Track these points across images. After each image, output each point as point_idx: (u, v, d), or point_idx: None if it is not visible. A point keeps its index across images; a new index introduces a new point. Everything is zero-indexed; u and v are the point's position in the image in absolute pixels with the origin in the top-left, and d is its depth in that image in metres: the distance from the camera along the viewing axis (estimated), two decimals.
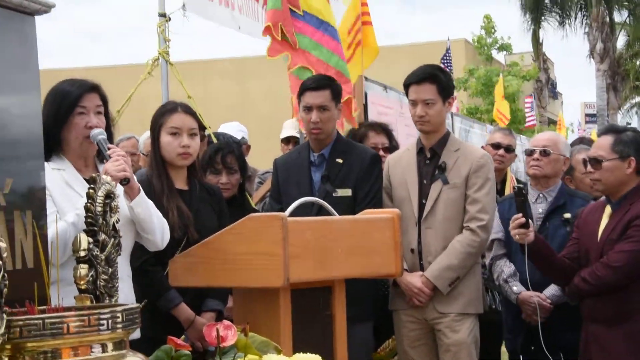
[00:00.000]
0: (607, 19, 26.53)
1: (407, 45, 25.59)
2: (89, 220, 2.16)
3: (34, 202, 2.24)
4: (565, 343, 4.03)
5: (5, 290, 1.74)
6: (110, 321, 1.81)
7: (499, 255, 4.34)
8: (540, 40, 28.23)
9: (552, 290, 4.15)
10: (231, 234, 2.97)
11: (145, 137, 5.25)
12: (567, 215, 4.20)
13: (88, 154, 3.08)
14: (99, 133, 3.00)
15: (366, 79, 6.08)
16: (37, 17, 2.28)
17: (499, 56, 27.15)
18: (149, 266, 3.36)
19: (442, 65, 10.57)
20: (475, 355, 4.00)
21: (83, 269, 2.11)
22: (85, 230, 2.16)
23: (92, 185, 2.18)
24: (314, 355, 2.49)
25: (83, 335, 1.78)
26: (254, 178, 5.74)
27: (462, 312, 3.98)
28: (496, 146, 5.37)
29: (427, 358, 4.05)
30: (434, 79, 4.05)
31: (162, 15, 5.43)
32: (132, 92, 5.63)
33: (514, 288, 4.21)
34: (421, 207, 4.03)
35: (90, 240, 2.14)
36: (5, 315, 1.74)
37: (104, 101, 3.11)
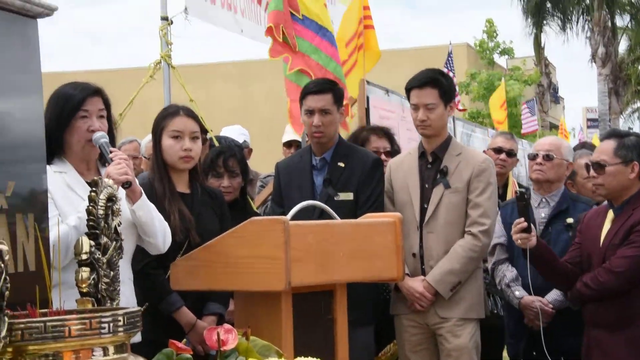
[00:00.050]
0: (609, 24, 26.52)
1: (409, 49, 25.61)
2: (90, 223, 2.16)
3: (35, 205, 2.24)
4: (568, 348, 4.03)
5: (6, 293, 1.74)
6: (111, 324, 1.82)
7: (501, 260, 4.34)
8: (542, 45, 28.24)
9: (554, 295, 4.14)
10: (233, 237, 2.97)
11: (147, 140, 5.25)
12: (570, 220, 4.20)
13: (90, 157, 3.08)
14: (101, 136, 3.00)
15: (368, 82, 6.08)
16: (39, 20, 2.29)
17: (501, 60, 27.16)
18: (151, 269, 3.36)
19: (445, 70, 10.60)
20: None
21: (85, 272, 2.11)
22: (87, 234, 2.17)
23: (94, 189, 2.19)
24: (315, 359, 2.49)
25: (84, 339, 1.79)
26: (256, 181, 5.74)
27: (464, 317, 3.98)
28: (498, 150, 5.38)
29: None
30: (435, 83, 4.05)
31: (165, 18, 5.44)
32: (135, 96, 5.65)
33: (516, 293, 4.20)
34: (423, 211, 4.03)
35: (92, 243, 2.14)
36: (6, 318, 1.74)
37: (107, 105, 3.11)
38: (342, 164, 4.02)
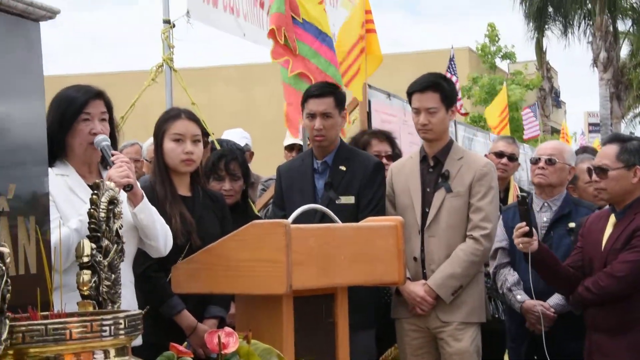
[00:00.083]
0: (611, 28, 26.51)
1: (410, 53, 25.62)
2: (92, 226, 2.16)
3: (37, 207, 2.24)
4: (569, 352, 4.02)
5: (8, 295, 1.74)
6: (112, 327, 1.82)
7: (503, 264, 4.34)
8: (544, 49, 28.24)
9: (556, 299, 4.14)
10: (234, 240, 2.97)
11: (148, 143, 5.25)
12: (572, 225, 4.19)
13: (92, 160, 3.09)
14: (103, 139, 3.00)
15: (370, 86, 6.09)
16: (41, 23, 2.29)
17: (503, 65, 27.18)
18: (152, 272, 3.36)
19: (447, 74, 10.60)
20: None
21: (86, 274, 2.11)
22: (88, 236, 2.17)
23: (95, 191, 2.19)
24: None
25: (85, 341, 1.79)
26: (257, 185, 5.74)
27: (465, 321, 3.98)
28: (499, 154, 5.38)
29: None
30: (437, 87, 4.05)
31: (167, 21, 5.45)
32: (136, 99, 5.65)
33: (518, 297, 4.20)
34: (424, 215, 4.03)
35: (93, 246, 2.14)
36: (8, 321, 1.74)
37: (109, 108, 3.11)
38: (343, 168, 4.02)
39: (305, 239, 2.91)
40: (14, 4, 2.15)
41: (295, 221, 3.01)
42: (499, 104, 12.74)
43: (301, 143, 5.90)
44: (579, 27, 28.13)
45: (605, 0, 25.61)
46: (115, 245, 2.21)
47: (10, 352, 1.76)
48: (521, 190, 5.81)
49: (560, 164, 4.31)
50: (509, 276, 4.28)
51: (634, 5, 28.12)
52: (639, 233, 3.65)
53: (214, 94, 23.45)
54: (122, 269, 2.29)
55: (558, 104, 32.64)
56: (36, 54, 2.28)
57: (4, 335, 1.72)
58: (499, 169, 5.01)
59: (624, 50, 28.80)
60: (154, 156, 3.62)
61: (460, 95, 12.43)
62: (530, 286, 4.00)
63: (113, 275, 2.19)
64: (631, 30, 28.42)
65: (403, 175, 4.14)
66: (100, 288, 2.13)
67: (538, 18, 27.51)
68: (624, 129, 29.46)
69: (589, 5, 27.13)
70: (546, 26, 28.17)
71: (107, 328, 1.80)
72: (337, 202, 3.92)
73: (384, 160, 4.50)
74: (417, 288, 3.97)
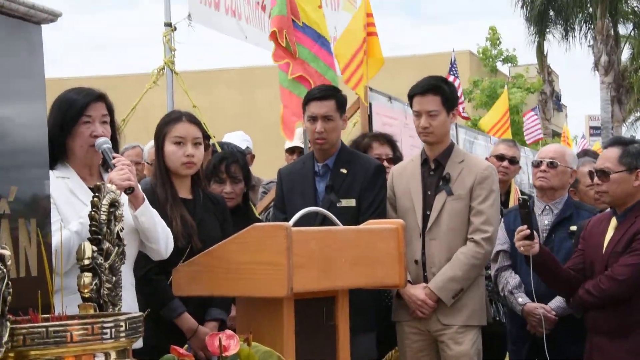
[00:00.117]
0: (612, 32, 26.52)
1: (412, 56, 25.63)
2: (93, 228, 2.17)
3: (38, 210, 2.24)
4: (570, 355, 4.02)
5: (9, 298, 1.74)
6: (113, 330, 1.82)
7: (504, 267, 4.34)
8: (545, 53, 28.25)
9: (557, 302, 4.14)
10: (235, 243, 2.97)
11: (149, 146, 5.25)
12: (573, 228, 4.19)
13: (93, 163, 3.09)
14: (104, 142, 3.00)
15: (371, 89, 6.09)
16: (43, 26, 2.29)
17: (504, 68, 27.19)
18: (153, 275, 3.36)
19: (450, 77, 10.59)
20: None
21: (87, 277, 2.11)
22: (89, 239, 2.17)
23: (96, 194, 2.19)
24: None
25: (86, 344, 1.79)
26: (258, 188, 5.74)
27: (466, 324, 3.97)
28: (500, 158, 5.39)
29: None
30: (437, 90, 4.05)
31: (168, 24, 5.45)
32: (138, 101, 5.65)
33: (519, 299, 4.20)
34: (425, 218, 4.03)
35: (94, 248, 2.14)
36: (9, 323, 1.74)
37: (110, 110, 3.11)
38: (344, 171, 4.02)
39: (306, 242, 2.91)
40: (16, 7, 2.15)
41: (296, 224, 3.01)
42: (500, 108, 12.73)
43: (302, 146, 5.90)
44: (580, 30, 28.14)
45: (607, 4, 25.62)
46: (116, 248, 2.21)
47: (11, 354, 1.76)
48: (522, 193, 5.81)
49: (562, 167, 4.31)
50: (510, 279, 4.27)
51: (635, 9, 28.13)
52: (639, 236, 3.65)
53: (215, 97, 23.46)
54: (123, 272, 2.29)
55: (559, 107, 32.64)
56: (38, 57, 2.28)
57: (5, 338, 1.72)
58: (500, 172, 5.01)
59: (625, 53, 28.80)
60: (155, 159, 3.62)
61: (462, 99, 12.40)
62: (531, 289, 4.00)
63: (114, 278, 2.19)
64: (632, 34, 28.42)
65: (404, 178, 4.14)
66: (101, 291, 2.14)
67: (539, 22, 27.51)
68: (625, 132, 29.46)
69: (590, 9, 27.13)
70: (547, 30, 28.16)
71: (108, 331, 1.81)
72: (338, 205, 3.92)
73: (385, 163, 4.50)
74: (417, 291, 3.97)
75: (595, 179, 3.83)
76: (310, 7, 5.49)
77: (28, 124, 2.25)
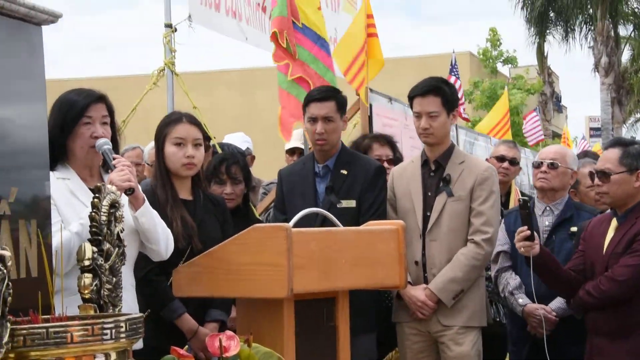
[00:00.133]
0: (612, 33, 26.52)
1: (412, 57, 25.63)
2: (93, 229, 2.17)
3: (38, 211, 2.24)
4: (570, 356, 4.02)
5: (9, 299, 1.74)
6: (113, 331, 1.82)
7: (505, 268, 4.34)
8: (545, 54, 28.26)
9: (557, 303, 4.14)
10: (235, 244, 2.97)
11: (149, 147, 5.25)
12: (574, 229, 4.19)
13: (93, 164, 3.09)
14: (104, 143, 3.01)
15: (371, 90, 6.09)
16: (44, 27, 2.29)
17: (504, 69, 27.19)
18: (153, 276, 3.36)
19: (452, 78, 10.58)
20: None
21: (87, 278, 2.11)
22: (89, 240, 2.17)
23: (96, 195, 2.19)
24: None
25: (86, 345, 1.79)
26: (259, 189, 5.74)
27: (466, 325, 3.98)
28: (500, 159, 5.39)
29: None
30: (438, 91, 4.06)
31: (168, 25, 5.45)
32: (138, 103, 5.65)
33: (520, 300, 4.20)
34: (425, 219, 4.03)
35: (95, 249, 2.14)
36: (9, 324, 1.74)
37: (110, 111, 3.12)
38: (344, 172, 4.02)
39: (306, 243, 2.92)
40: (16, 8, 2.15)
41: (296, 225, 3.01)
42: (500, 109, 12.72)
43: (302, 147, 5.91)
44: (580, 32, 28.14)
45: (607, 6, 25.62)
46: (117, 249, 2.22)
47: (12, 355, 1.76)
48: (522, 194, 5.81)
49: (563, 168, 4.31)
50: (511, 280, 4.28)
51: (636, 10, 28.13)
52: None
53: (215, 98, 23.46)
54: (123, 273, 2.29)
55: (559, 108, 32.63)
56: (38, 58, 2.28)
57: (6, 339, 1.72)
58: (501, 173, 5.02)
59: (625, 55, 28.81)
60: (155, 160, 3.62)
61: (463, 100, 12.40)
62: (531, 290, 4.00)
63: (114, 279, 2.19)
64: (632, 35, 28.42)
65: (404, 179, 4.14)
66: (102, 291, 2.14)
67: (539, 23, 27.51)
68: (625, 133, 29.45)
69: (590, 10, 27.14)
70: (547, 31, 28.16)
71: (108, 331, 1.81)
72: (338, 206, 3.92)
73: (385, 164, 4.50)
74: (417, 292, 3.97)
75: (596, 180, 3.83)
76: (310, 8, 5.50)
77: (28, 125, 2.25)
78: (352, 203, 3.96)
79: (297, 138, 6.03)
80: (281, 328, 2.91)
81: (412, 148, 6.23)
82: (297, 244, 2.84)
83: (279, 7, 5.24)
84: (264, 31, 6.31)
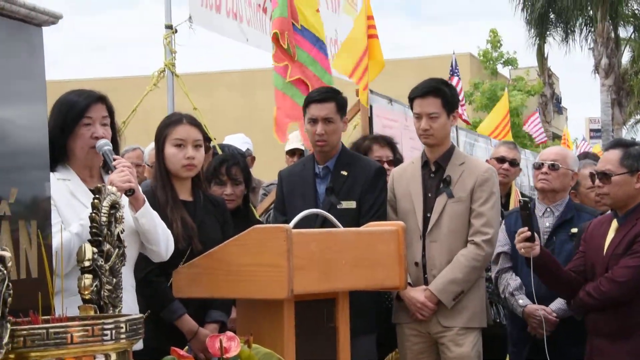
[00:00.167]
0: (613, 35, 26.53)
1: (412, 58, 25.63)
2: (93, 230, 2.16)
3: (38, 212, 2.24)
4: (571, 357, 4.02)
5: (9, 299, 1.74)
6: (113, 331, 1.82)
7: (505, 269, 4.34)
8: (545, 55, 28.26)
9: (558, 304, 4.14)
10: (235, 245, 2.97)
11: (150, 148, 5.25)
12: (574, 230, 4.19)
13: (93, 165, 3.09)
14: (105, 144, 3.01)
15: (371, 91, 6.09)
16: (44, 28, 2.30)
17: (504, 71, 27.19)
18: (153, 277, 3.36)
19: (451, 78, 10.58)
20: None
21: (87, 279, 2.11)
22: (89, 241, 2.17)
23: (97, 196, 2.19)
24: None
25: (86, 346, 1.79)
26: (259, 190, 5.75)
27: (466, 326, 3.98)
28: (501, 160, 5.39)
29: None
30: (438, 92, 4.06)
31: (169, 27, 5.45)
32: (138, 104, 5.66)
33: (520, 301, 4.20)
34: (426, 220, 4.03)
35: (95, 250, 2.14)
36: (9, 325, 1.74)
37: (110, 112, 3.12)
38: (345, 173, 4.02)
39: (306, 244, 2.92)
40: (17, 9, 2.16)
41: (296, 226, 3.01)
42: (501, 110, 12.72)
43: (302, 148, 5.91)
44: (580, 33, 28.15)
45: (607, 7, 25.63)
46: (117, 250, 2.21)
47: (12, 356, 1.76)
48: (522, 195, 5.81)
49: (564, 170, 4.32)
50: (511, 281, 4.28)
51: (636, 12, 28.15)
52: None
53: (216, 99, 23.47)
54: (123, 273, 2.29)
55: (559, 110, 32.64)
56: (38, 59, 2.28)
57: (6, 339, 1.72)
58: (501, 174, 5.02)
59: (626, 56, 28.81)
60: (155, 161, 3.62)
61: (464, 101, 12.40)
62: (532, 291, 4.00)
63: (114, 280, 2.19)
64: (633, 36, 28.43)
65: (404, 180, 4.14)
66: (102, 292, 2.13)
67: (539, 24, 27.52)
68: (625, 135, 29.44)
69: (591, 11, 27.14)
70: (548, 32, 28.18)
71: (108, 332, 1.81)
72: (338, 207, 3.92)
73: (385, 166, 4.50)
74: (417, 294, 3.97)
75: (597, 181, 3.83)
76: (308, 10, 5.50)
77: (29, 126, 2.25)
78: (352, 204, 3.96)
79: (297, 139, 6.04)
80: (281, 329, 2.91)
81: (412, 149, 6.23)
82: (297, 245, 2.85)
83: (279, 8, 5.24)
84: (265, 32, 6.31)
